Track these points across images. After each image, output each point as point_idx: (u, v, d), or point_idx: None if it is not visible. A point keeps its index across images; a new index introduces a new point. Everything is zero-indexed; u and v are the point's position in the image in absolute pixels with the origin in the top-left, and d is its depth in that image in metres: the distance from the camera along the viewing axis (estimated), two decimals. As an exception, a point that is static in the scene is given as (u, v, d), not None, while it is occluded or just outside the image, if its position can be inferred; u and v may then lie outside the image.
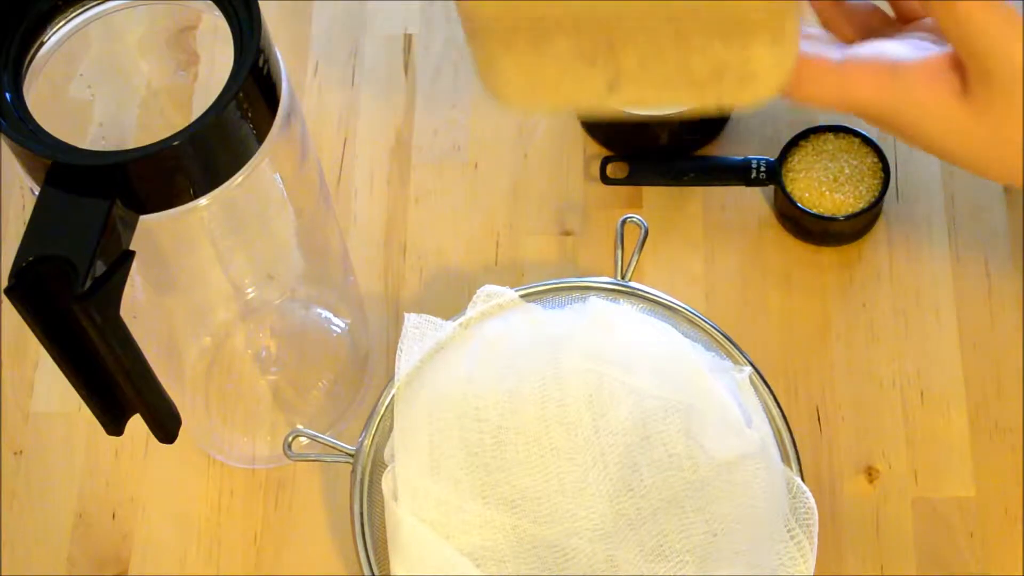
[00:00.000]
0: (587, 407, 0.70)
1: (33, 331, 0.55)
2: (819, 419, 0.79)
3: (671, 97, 0.57)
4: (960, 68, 0.56)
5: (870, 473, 0.77)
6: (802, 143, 0.83)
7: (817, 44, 0.59)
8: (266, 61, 0.57)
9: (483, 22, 0.54)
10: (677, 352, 0.71)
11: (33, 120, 0.55)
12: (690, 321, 0.74)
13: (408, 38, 0.92)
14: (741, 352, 0.74)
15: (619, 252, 0.74)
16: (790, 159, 0.83)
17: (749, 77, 0.54)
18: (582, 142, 0.88)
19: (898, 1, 0.62)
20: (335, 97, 0.90)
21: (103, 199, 0.53)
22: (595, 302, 0.73)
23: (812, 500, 0.69)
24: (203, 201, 0.58)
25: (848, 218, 0.81)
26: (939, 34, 0.59)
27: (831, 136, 0.83)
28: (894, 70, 0.57)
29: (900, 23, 0.62)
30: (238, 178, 0.58)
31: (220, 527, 0.78)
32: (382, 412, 0.72)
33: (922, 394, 0.79)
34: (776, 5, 0.52)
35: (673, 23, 0.52)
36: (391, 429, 0.71)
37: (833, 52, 0.58)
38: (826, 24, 0.63)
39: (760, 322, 0.82)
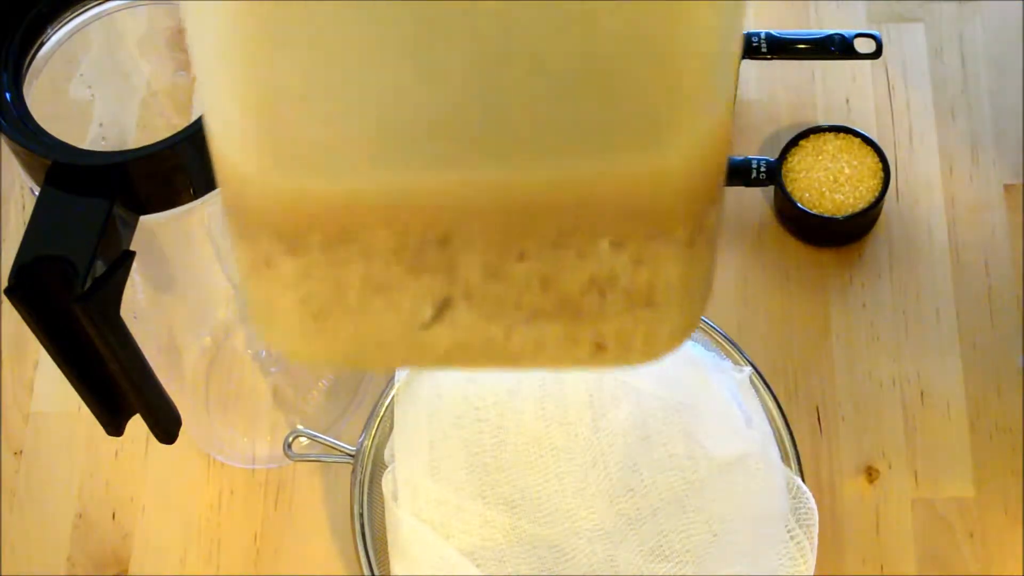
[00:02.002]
0: (587, 407, 0.70)
1: (33, 331, 0.55)
2: (819, 419, 0.79)
3: (520, 340, 0.37)
4: None
5: (870, 473, 0.77)
6: (802, 143, 0.83)
7: None
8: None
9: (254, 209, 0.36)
10: (677, 352, 0.71)
11: (33, 120, 0.55)
12: (690, 321, 0.74)
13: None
14: (741, 352, 0.74)
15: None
16: (790, 159, 0.83)
17: (645, 303, 0.37)
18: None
19: None
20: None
21: (103, 199, 0.53)
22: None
23: (812, 500, 0.69)
24: (203, 201, 0.57)
25: (848, 218, 0.81)
26: None
27: (831, 136, 0.83)
28: None
29: None
30: (238, 178, 0.58)
31: (220, 527, 0.77)
32: (382, 412, 0.72)
33: (922, 394, 0.79)
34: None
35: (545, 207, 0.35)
36: (391, 429, 0.71)
37: None
38: None
39: (760, 322, 0.82)
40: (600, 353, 0.37)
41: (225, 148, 0.35)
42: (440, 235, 0.35)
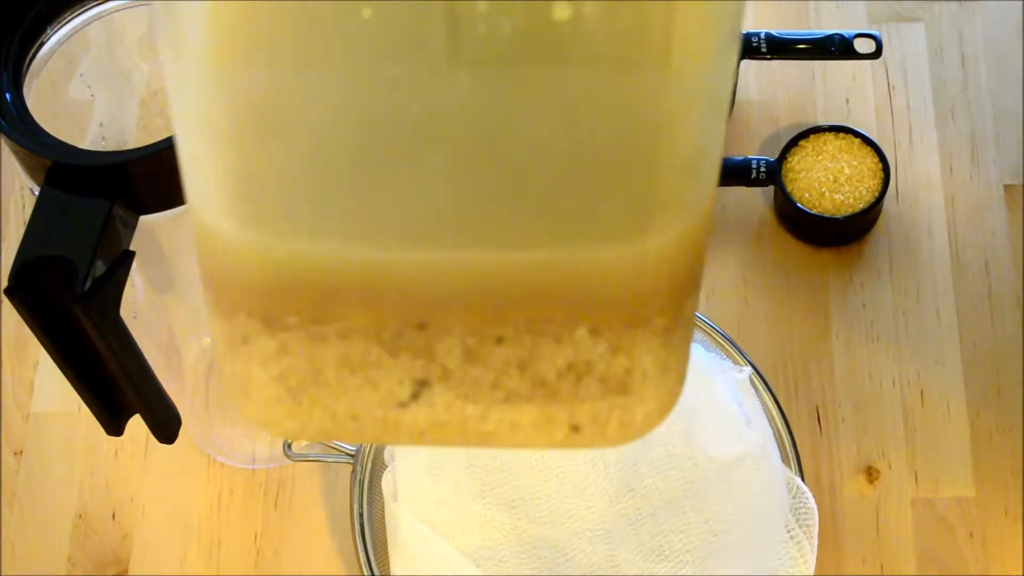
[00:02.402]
0: (587, 407, 0.70)
1: (33, 331, 0.54)
2: (819, 419, 0.78)
3: (496, 420, 0.37)
4: None
5: (870, 473, 0.77)
6: (802, 143, 0.83)
7: None
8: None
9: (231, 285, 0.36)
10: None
11: (33, 120, 0.55)
12: (690, 321, 0.74)
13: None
14: (741, 352, 0.74)
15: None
16: (790, 159, 0.83)
17: (620, 389, 0.37)
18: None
19: None
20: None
21: (103, 199, 0.53)
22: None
23: (812, 500, 0.69)
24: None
25: (848, 218, 0.81)
26: None
27: (831, 136, 0.83)
28: None
29: None
30: (238, 178, 0.58)
31: (220, 527, 0.77)
32: (382, 412, 0.72)
33: (922, 394, 0.79)
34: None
35: (521, 287, 0.35)
36: (391, 429, 0.71)
37: None
38: None
39: (760, 322, 0.81)
40: (575, 435, 0.38)
41: (203, 217, 0.36)
42: (419, 318, 0.35)
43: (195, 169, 0.35)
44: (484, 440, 0.38)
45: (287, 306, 0.36)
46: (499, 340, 0.36)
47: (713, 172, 0.35)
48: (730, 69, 0.34)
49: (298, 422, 0.38)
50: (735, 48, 0.34)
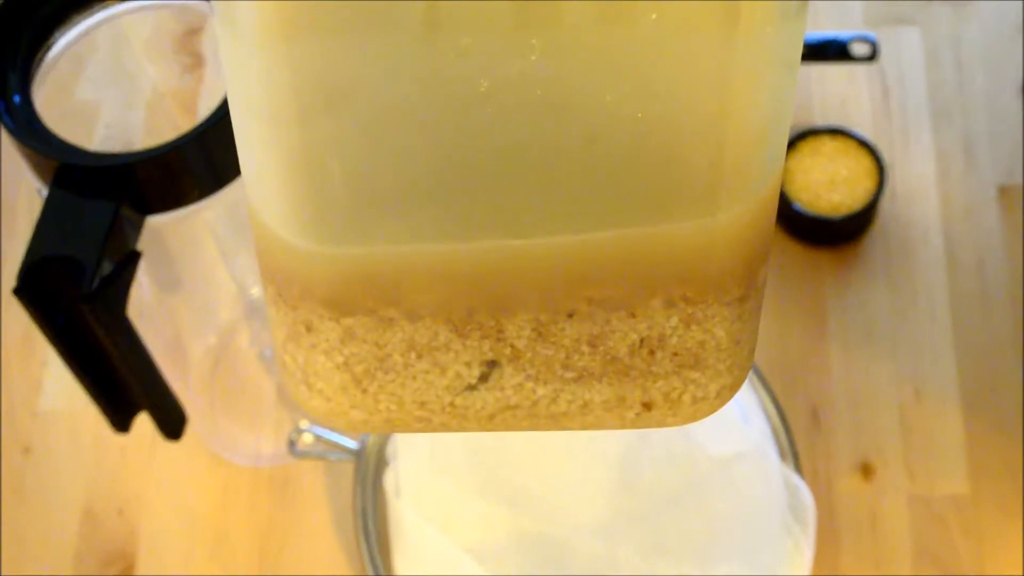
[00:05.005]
0: (587, 405, 0.70)
1: (41, 331, 0.55)
2: (816, 417, 0.79)
3: (567, 401, 0.37)
4: None
5: (866, 471, 0.77)
6: (799, 145, 0.83)
7: None
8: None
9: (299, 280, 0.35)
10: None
11: (41, 122, 0.55)
12: (688, 320, 0.74)
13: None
14: (738, 351, 0.74)
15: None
16: (787, 160, 0.82)
17: (694, 364, 0.36)
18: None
19: None
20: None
21: (110, 200, 0.53)
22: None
23: (810, 497, 0.69)
24: (209, 202, 0.57)
25: (844, 219, 0.81)
26: None
27: (828, 138, 0.83)
28: None
29: None
30: (243, 179, 0.58)
31: (225, 524, 0.77)
32: (384, 410, 0.72)
33: (918, 392, 0.79)
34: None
35: (595, 259, 0.34)
36: (393, 427, 0.71)
37: None
38: None
39: (758, 321, 0.82)
40: (647, 413, 0.37)
41: (266, 218, 0.34)
42: (490, 299, 0.34)
43: (255, 159, 0.34)
44: (555, 422, 0.37)
45: (356, 294, 0.34)
46: (570, 316, 0.35)
47: (783, 139, 0.35)
48: (800, 32, 0.33)
49: (363, 412, 0.37)
50: (804, 9, 0.33)
